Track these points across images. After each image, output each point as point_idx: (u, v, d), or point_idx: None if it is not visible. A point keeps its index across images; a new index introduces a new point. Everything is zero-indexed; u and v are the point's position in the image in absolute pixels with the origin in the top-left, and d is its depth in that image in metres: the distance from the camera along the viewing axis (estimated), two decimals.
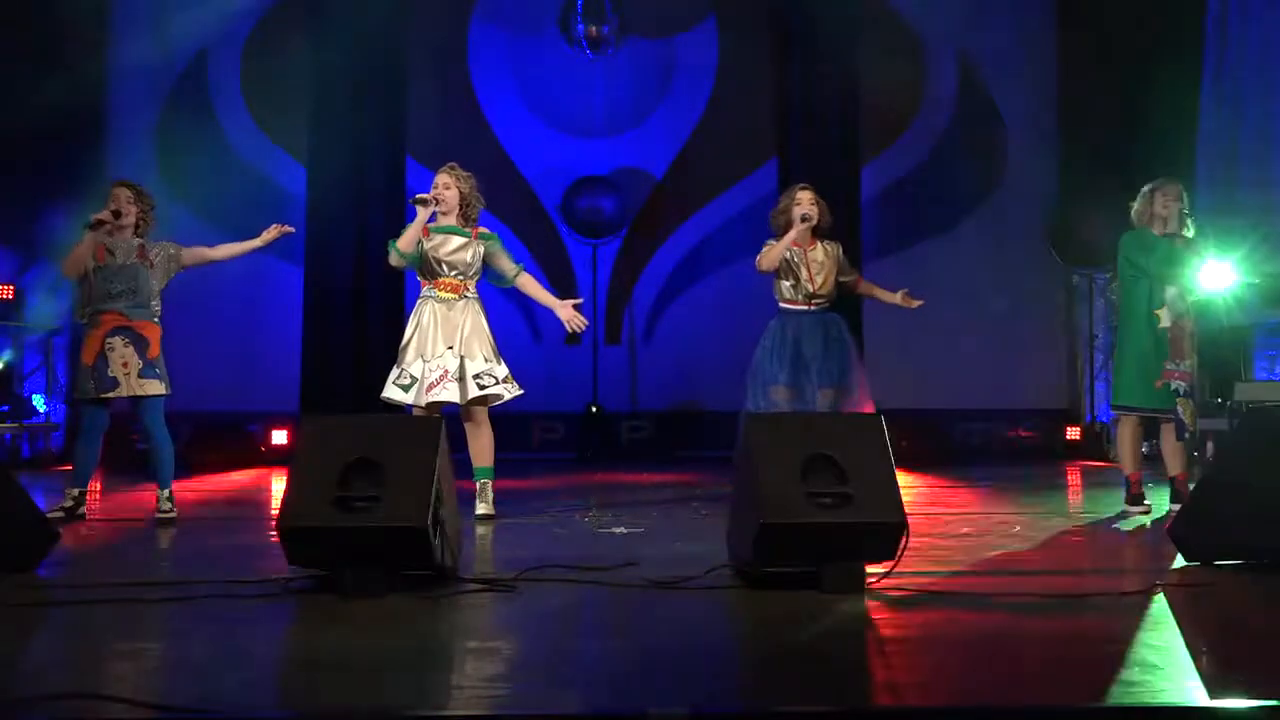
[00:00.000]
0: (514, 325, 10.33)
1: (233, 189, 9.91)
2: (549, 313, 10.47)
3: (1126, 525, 5.38)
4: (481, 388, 5.35)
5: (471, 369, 5.35)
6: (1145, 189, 5.71)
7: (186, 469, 8.21)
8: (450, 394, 5.32)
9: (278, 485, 7.31)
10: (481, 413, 5.44)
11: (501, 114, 10.42)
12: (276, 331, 9.82)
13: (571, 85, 10.43)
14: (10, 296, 9.11)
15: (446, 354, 5.35)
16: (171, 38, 10.01)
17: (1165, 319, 5.54)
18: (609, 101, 10.48)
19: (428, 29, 10.11)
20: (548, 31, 10.33)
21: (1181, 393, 5.50)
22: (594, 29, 10.02)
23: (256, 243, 5.71)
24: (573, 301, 5.74)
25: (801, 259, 5.90)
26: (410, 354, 5.38)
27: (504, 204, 10.36)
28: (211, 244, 5.87)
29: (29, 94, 8.61)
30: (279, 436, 9.46)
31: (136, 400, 5.47)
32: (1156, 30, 9.10)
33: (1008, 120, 10.56)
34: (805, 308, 5.92)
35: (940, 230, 10.47)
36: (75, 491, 5.48)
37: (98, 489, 6.66)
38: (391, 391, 5.37)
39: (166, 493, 5.50)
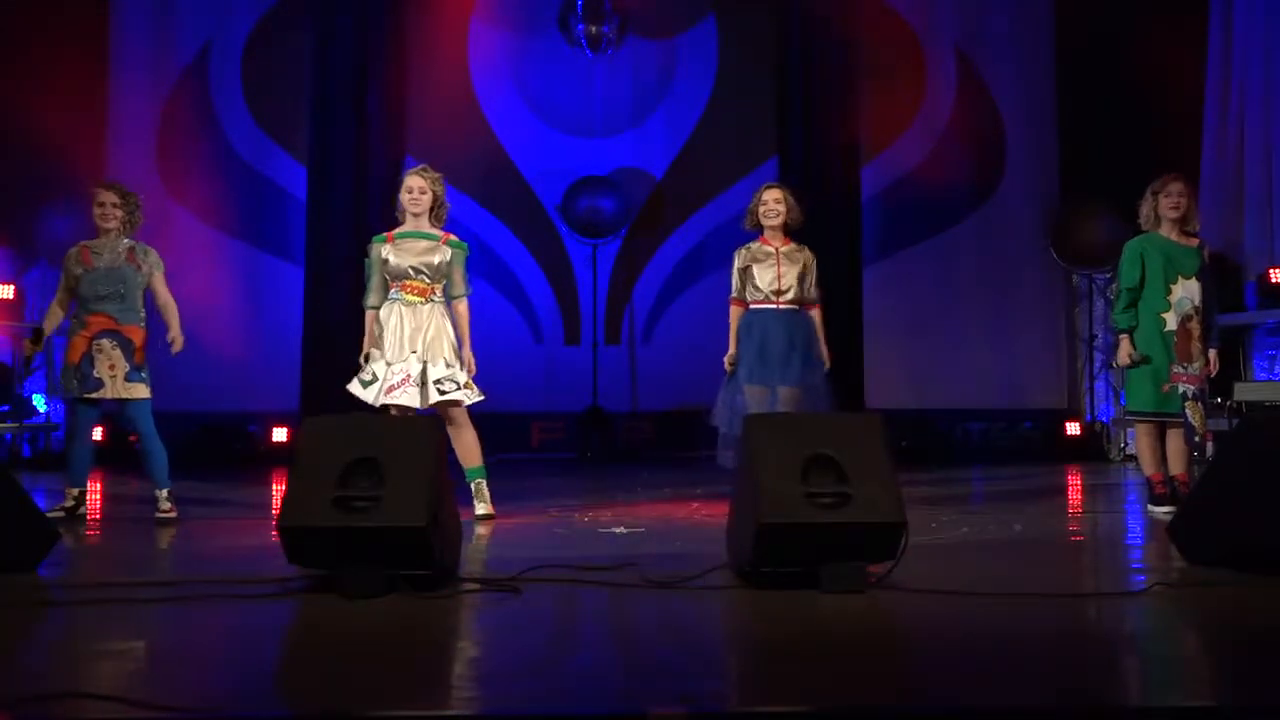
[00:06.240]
0: (514, 325, 10.35)
1: (233, 189, 9.93)
2: (549, 313, 10.59)
3: (1125, 525, 5.38)
4: (442, 393, 5.32)
5: (433, 374, 5.33)
6: (1148, 191, 5.64)
7: (187, 469, 8.21)
8: (410, 399, 5.29)
9: (278, 485, 7.31)
10: (460, 413, 5.42)
11: (501, 114, 10.42)
12: (276, 331, 9.84)
13: (571, 85, 10.44)
14: (11, 296, 9.13)
15: (410, 358, 5.33)
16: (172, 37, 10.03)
17: (1171, 321, 5.48)
18: (609, 101, 10.48)
19: (428, 29, 10.12)
20: (548, 31, 10.34)
21: (1190, 396, 5.42)
22: (594, 29, 10.02)
23: (174, 328, 5.62)
24: (470, 371, 5.48)
25: (773, 256, 5.94)
26: (374, 354, 5.39)
27: (504, 204, 10.38)
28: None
29: (29, 94, 8.61)
30: (279, 436, 9.48)
31: (123, 403, 5.49)
32: (1157, 27, 9.11)
33: (1008, 120, 10.57)
34: (774, 306, 5.93)
35: (940, 230, 10.48)
36: (75, 491, 5.50)
37: (98, 489, 6.66)
38: (354, 386, 5.40)
39: (165, 492, 5.51)
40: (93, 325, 5.46)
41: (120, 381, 5.44)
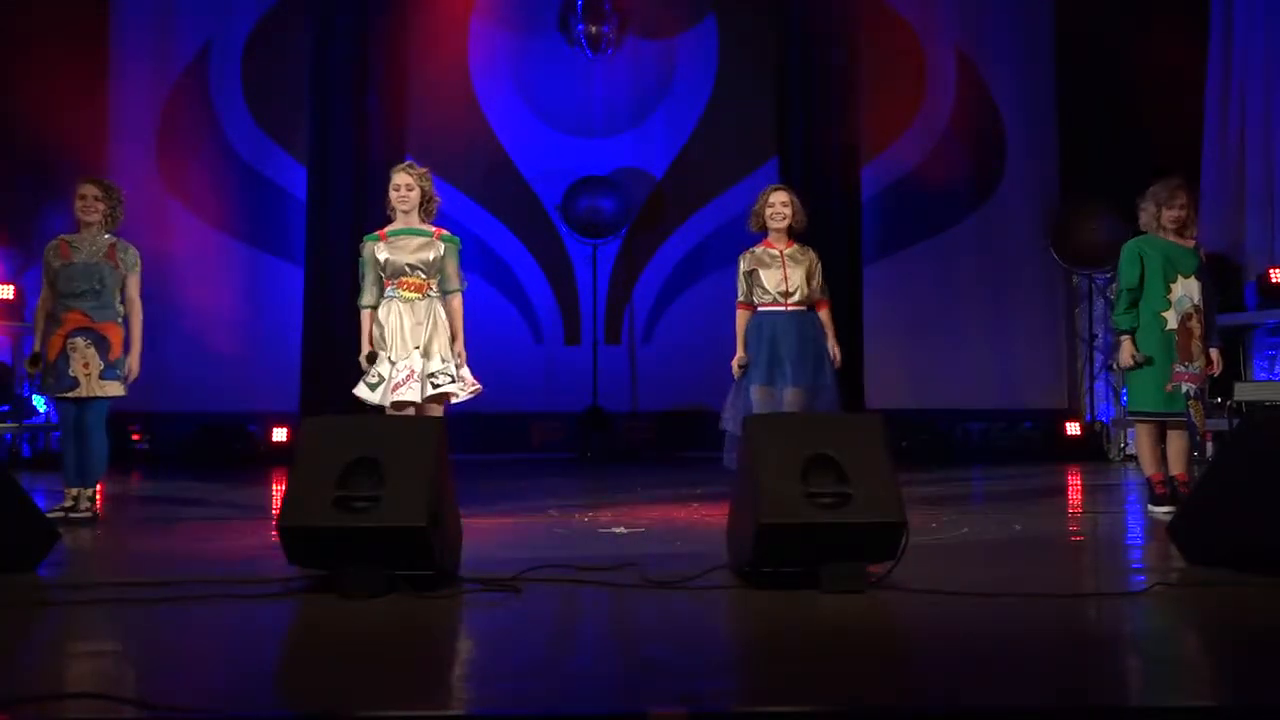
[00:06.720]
0: (514, 325, 10.35)
1: (233, 189, 9.93)
2: (549, 313, 10.59)
3: (1125, 525, 5.38)
4: (435, 386, 5.35)
5: (429, 368, 5.36)
6: (1149, 195, 5.62)
7: (187, 469, 8.21)
8: (413, 394, 5.31)
9: (278, 485, 7.31)
10: (436, 410, 5.42)
11: (501, 114, 10.43)
12: (276, 331, 9.84)
13: (571, 85, 10.44)
14: (11, 297, 9.13)
15: (415, 354, 5.35)
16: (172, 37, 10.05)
17: (1172, 320, 5.47)
18: (609, 101, 10.48)
19: (428, 29, 10.12)
20: (548, 31, 10.34)
21: (1192, 395, 5.42)
22: (594, 29, 10.03)
23: (134, 350, 5.57)
24: (466, 382, 5.50)
25: (778, 259, 5.93)
26: (379, 355, 5.40)
27: (504, 204, 10.38)
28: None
29: (30, 94, 8.61)
30: (279, 436, 9.48)
31: (89, 398, 5.44)
32: (1157, 28, 9.10)
33: (1007, 120, 10.57)
34: (781, 308, 5.93)
35: (940, 230, 10.49)
36: (74, 491, 5.48)
37: (97, 489, 6.64)
38: (360, 389, 5.40)
39: (90, 492, 5.49)
40: (67, 323, 5.43)
41: (95, 380, 5.42)
